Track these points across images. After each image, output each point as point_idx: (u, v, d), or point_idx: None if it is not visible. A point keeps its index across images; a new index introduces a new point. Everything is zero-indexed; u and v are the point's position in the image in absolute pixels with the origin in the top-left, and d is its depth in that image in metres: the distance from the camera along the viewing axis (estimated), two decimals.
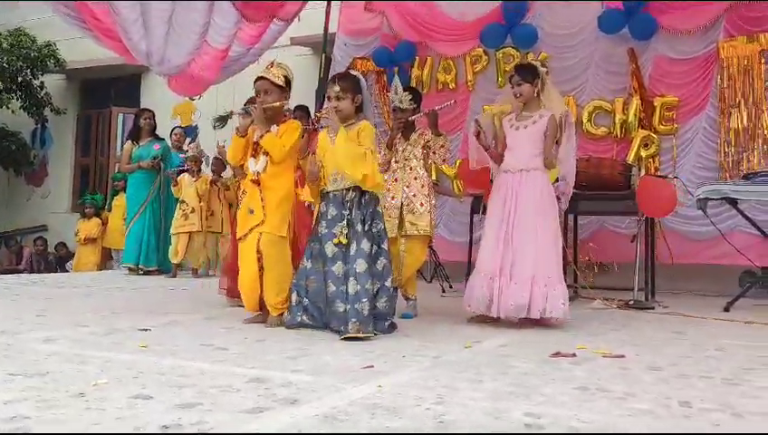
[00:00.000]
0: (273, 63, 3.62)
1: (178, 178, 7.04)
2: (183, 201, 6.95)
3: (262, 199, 3.45)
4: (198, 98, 7.38)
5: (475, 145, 4.05)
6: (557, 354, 2.78)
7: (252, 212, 3.46)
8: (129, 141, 7.35)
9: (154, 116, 7.41)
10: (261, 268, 3.44)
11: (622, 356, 2.79)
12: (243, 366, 2.41)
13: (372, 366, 2.46)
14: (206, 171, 7.27)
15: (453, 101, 4.60)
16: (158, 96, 9.56)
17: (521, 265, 3.64)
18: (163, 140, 7.43)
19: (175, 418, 1.71)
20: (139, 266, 7.10)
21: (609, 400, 2.04)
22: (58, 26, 8.01)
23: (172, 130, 7.82)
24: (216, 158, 7.15)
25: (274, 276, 3.44)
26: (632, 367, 2.58)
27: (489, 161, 4.07)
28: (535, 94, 3.82)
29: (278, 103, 3.49)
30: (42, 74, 10.37)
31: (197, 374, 2.25)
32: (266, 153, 3.47)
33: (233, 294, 4.36)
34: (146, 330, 3.21)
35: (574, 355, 2.78)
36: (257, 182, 3.47)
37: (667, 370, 2.55)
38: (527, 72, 3.84)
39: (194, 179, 6.99)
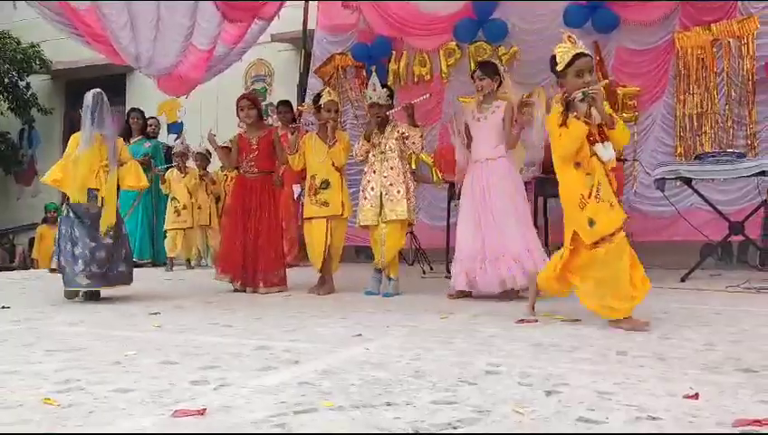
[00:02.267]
0: (573, 38, 3.15)
1: (166, 174, 7.29)
2: (174, 198, 7.21)
3: (615, 193, 3.09)
4: (186, 97, 7.66)
5: (459, 142, 4.40)
6: (521, 321, 3.18)
7: (612, 206, 3.05)
8: (120, 139, 7.61)
9: (143, 115, 7.69)
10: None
11: (578, 320, 3.20)
12: (248, 338, 2.79)
13: (360, 335, 2.85)
14: (192, 165, 7.54)
15: (428, 95, 4.97)
16: (143, 95, 9.83)
17: (499, 246, 4.02)
18: (153, 138, 7.71)
19: (201, 376, 2.09)
20: (133, 260, 7.40)
21: (559, 352, 2.45)
22: (42, 27, 8.20)
23: (146, 121, 7.96)
24: (198, 153, 7.41)
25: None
26: (585, 328, 3.00)
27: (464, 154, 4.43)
28: (496, 88, 4.20)
29: (605, 82, 3.27)
30: (27, 75, 10.57)
31: (210, 346, 2.62)
32: (605, 139, 3.05)
33: (234, 277, 4.74)
34: (156, 313, 3.58)
35: (536, 321, 3.19)
36: (605, 172, 3.06)
37: (615, 329, 2.96)
38: (488, 69, 4.24)
39: (182, 175, 7.24)
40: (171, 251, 7.16)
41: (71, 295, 4.23)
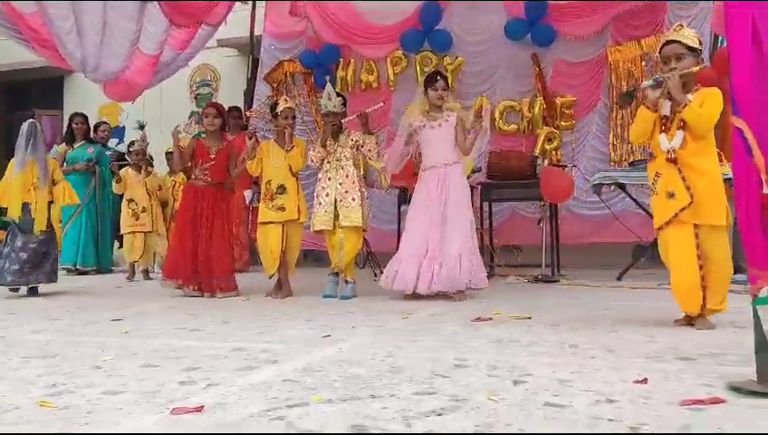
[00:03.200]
0: (682, 25, 3.14)
1: (121, 171, 6.65)
2: (131, 199, 6.65)
3: (684, 179, 2.99)
4: (132, 102, 7.58)
5: (399, 152, 4.60)
6: (478, 319, 3.38)
7: (672, 196, 3.03)
8: (64, 144, 7.49)
9: (87, 120, 7.56)
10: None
11: (529, 318, 3.43)
12: (221, 341, 2.87)
13: (330, 335, 2.98)
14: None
15: (382, 103, 5.14)
16: (81, 98, 9.62)
17: (449, 246, 4.23)
18: (97, 143, 7.58)
19: (186, 377, 2.18)
20: (77, 267, 7.28)
21: (519, 347, 2.66)
22: None
23: (97, 127, 7.80)
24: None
25: (721, 280, 2.99)
26: (536, 325, 3.22)
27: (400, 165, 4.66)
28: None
29: (696, 68, 3.03)
30: None
31: (186, 349, 2.70)
32: (683, 127, 3.01)
33: (185, 282, 4.76)
34: (119, 320, 3.60)
35: (491, 319, 3.40)
36: (674, 161, 3.03)
37: (564, 325, 3.20)
38: (446, 81, 4.49)
39: (142, 176, 6.70)
40: (131, 254, 6.61)
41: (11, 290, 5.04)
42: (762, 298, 1.89)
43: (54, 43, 5.83)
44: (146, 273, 6.76)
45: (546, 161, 6.06)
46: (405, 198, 6.08)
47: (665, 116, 3.10)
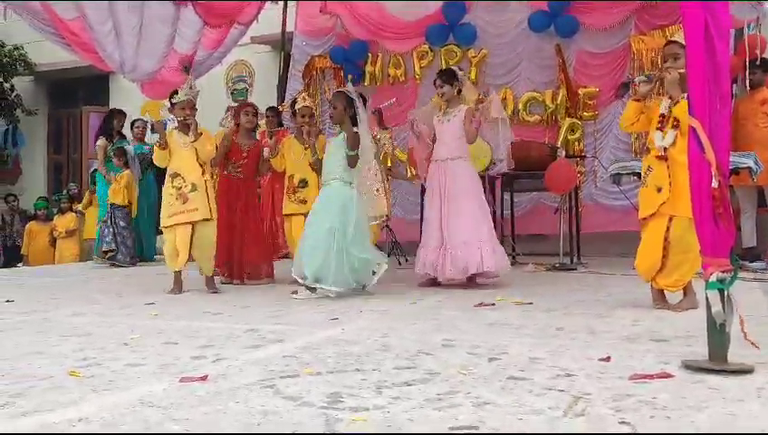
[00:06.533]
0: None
1: (167, 131, 4.55)
2: (176, 175, 4.45)
3: (669, 176, 3.21)
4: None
5: (417, 142, 4.81)
6: (480, 304, 3.58)
7: (660, 190, 3.24)
8: (103, 140, 7.83)
9: (125, 117, 7.90)
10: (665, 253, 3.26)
11: (530, 303, 3.61)
12: (239, 323, 3.15)
13: (337, 318, 3.23)
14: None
15: (393, 100, 5.34)
16: (126, 95, 10.06)
17: (458, 235, 4.43)
18: (140, 141, 7.91)
19: (200, 353, 2.45)
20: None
21: (508, 329, 2.86)
22: (24, 29, 8.39)
23: (133, 123, 8.01)
24: None
25: (679, 263, 3.26)
26: (534, 310, 3.41)
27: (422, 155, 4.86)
28: (456, 93, 4.61)
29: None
30: (11, 78, 10.76)
31: (206, 329, 2.98)
32: (676, 125, 3.20)
33: (220, 272, 5.05)
34: (151, 304, 3.92)
35: (493, 304, 3.59)
36: (664, 158, 3.23)
37: (559, 310, 3.37)
38: (447, 76, 4.65)
39: (191, 139, 4.45)
40: (173, 261, 4.45)
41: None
42: (712, 283, 2.05)
43: (94, 45, 6.20)
44: (210, 282, 4.56)
45: (564, 151, 6.16)
46: None
47: (662, 114, 3.30)
